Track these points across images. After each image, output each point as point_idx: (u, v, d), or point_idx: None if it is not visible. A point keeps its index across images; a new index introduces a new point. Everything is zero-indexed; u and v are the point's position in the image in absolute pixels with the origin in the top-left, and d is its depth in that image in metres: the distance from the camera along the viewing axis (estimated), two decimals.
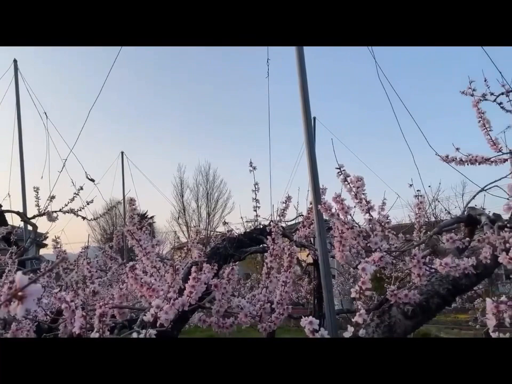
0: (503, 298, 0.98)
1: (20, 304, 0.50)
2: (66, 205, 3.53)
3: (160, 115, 34.82)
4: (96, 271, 2.56)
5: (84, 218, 3.58)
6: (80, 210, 3.57)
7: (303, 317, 1.09)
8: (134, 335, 1.16)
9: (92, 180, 3.71)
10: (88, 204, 3.64)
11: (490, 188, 2.27)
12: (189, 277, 1.46)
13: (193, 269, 1.47)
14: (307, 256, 4.96)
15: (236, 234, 2.77)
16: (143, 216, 22.80)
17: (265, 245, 2.49)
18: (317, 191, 2.04)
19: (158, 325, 1.30)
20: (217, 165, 27.41)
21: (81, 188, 3.62)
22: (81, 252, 2.77)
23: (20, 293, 0.50)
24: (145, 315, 1.25)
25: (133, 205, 2.16)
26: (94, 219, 4.08)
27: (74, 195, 3.59)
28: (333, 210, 1.63)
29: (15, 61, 7.00)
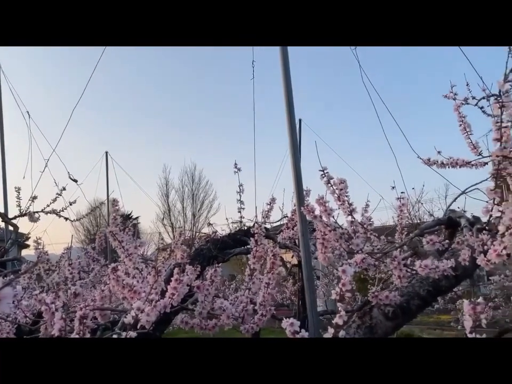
0: (480, 299, 0.99)
1: None
2: (48, 206, 3.49)
3: (145, 115, 34.65)
4: (79, 273, 2.54)
5: (66, 219, 3.54)
6: (63, 210, 3.53)
7: (284, 318, 1.10)
8: (114, 337, 1.15)
9: (75, 181, 3.67)
10: (71, 205, 3.60)
11: (470, 190, 2.31)
12: (171, 278, 1.45)
13: (176, 270, 1.46)
14: (292, 257, 4.97)
15: (219, 235, 2.77)
16: (127, 217, 22.64)
17: (249, 247, 2.50)
18: (301, 193, 2.05)
19: (139, 327, 1.29)
20: (203, 165, 27.35)
21: (64, 188, 3.57)
22: (63, 253, 2.73)
23: None
24: (125, 317, 1.24)
25: (116, 205, 2.14)
26: (77, 220, 4.04)
27: (57, 195, 3.54)
28: (316, 212, 1.64)
29: None
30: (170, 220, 23.35)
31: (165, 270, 1.95)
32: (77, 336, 1.19)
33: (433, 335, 10.92)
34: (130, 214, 24.85)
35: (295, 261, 4.68)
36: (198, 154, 34.61)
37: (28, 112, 5.98)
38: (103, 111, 34.12)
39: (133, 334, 1.14)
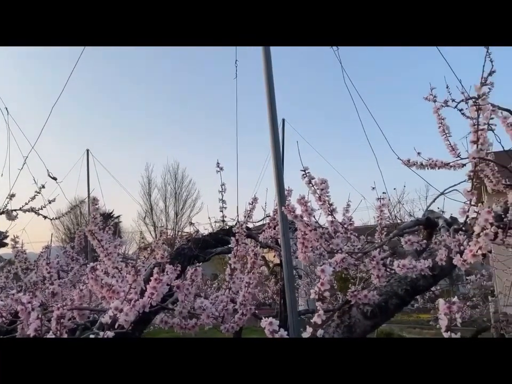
0: (455, 299, 1.01)
1: None
2: (26, 204, 3.43)
3: (127, 113, 34.34)
4: (58, 272, 2.50)
5: (45, 217, 3.48)
6: (41, 209, 3.47)
7: (263, 318, 1.10)
8: (92, 337, 1.14)
9: (54, 178, 3.61)
10: (50, 203, 3.53)
11: (449, 191, 2.35)
12: (151, 278, 1.44)
13: (155, 270, 1.45)
14: (274, 257, 4.98)
15: (201, 235, 2.76)
16: (108, 216, 22.36)
17: (231, 246, 2.50)
18: (282, 193, 2.06)
19: (118, 326, 1.28)
20: (186, 164, 27.22)
21: (43, 186, 3.51)
22: (42, 252, 2.69)
23: None
24: (103, 317, 1.23)
25: (96, 204, 2.12)
26: (56, 218, 3.97)
27: (36, 193, 3.48)
28: (297, 211, 1.65)
29: None
30: (152, 219, 23.16)
31: (145, 270, 1.94)
32: (53, 336, 1.17)
33: (413, 334, 11.09)
34: (111, 213, 24.58)
35: (277, 261, 4.69)
36: (182, 153, 34.52)
37: (6, 109, 5.84)
38: (85, 109, 33.72)
39: (110, 334, 1.13)
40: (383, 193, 2.64)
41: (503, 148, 1.94)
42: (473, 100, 2.12)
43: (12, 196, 3.39)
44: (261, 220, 3.44)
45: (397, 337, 9.35)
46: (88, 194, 10.80)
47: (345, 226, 1.74)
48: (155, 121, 34.97)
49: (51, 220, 3.66)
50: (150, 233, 21.43)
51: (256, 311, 1.86)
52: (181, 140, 35.55)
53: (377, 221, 2.12)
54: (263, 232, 2.72)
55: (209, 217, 3.47)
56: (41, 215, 3.48)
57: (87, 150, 12.34)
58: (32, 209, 3.44)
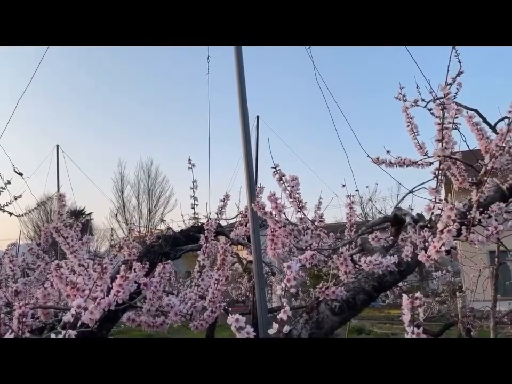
0: (418, 294, 1.03)
1: None
2: None
3: (100, 110, 33.75)
4: (23, 270, 2.43)
5: (10, 214, 3.38)
6: (7, 205, 3.37)
7: (230, 314, 1.10)
8: (53, 336, 1.11)
9: (20, 174, 3.50)
10: (16, 199, 3.43)
11: (418, 189, 2.39)
12: (117, 275, 1.42)
13: (122, 267, 1.43)
14: (247, 254, 4.97)
15: (172, 232, 2.73)
16: (79, 213, 21.90)
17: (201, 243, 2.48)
18: (252, 190, 2.06)
19: (82, 325, 1.25)
20: (160, 161, 26.92)
21: (9, 182, 3.41)
22: (7, 249, 2.61)
23: None
24: (66, 315, 1.20)
25: (62, 200, 2.07)
26: (22, 215, 3.86)
27: (1, 189, 3.38)
28: (266, 208, 1.64)
29: None
30: (124, 216, 22.83)
31: (113, 267, 1.90)
32: (13, 335, 1.14)
33: (384, 329, 11.33)
34: (83, 210, 24.12)
35: (251, 258, 4.68)
36: (155, 150, 34.19)
37: None
38: (55, 106, 33.03)
39: (72, 332, 1.10)
40: (356, 191, 2.67)
41: (468, 146, 1.99)
42: (440, 99, 2.17)
43: None
44: (234, 217, 3.43)
45: (366, 337, 9.57)
46: (58, 190, 10.56)
47: (315, 223, 1.75)
48: (128, 117, 34.49)
49: (17, 216, 3.56)
50: (123, 230, 21.11)
51: (230, 309, 1.85)
52: (155, 137, 35.15)
53: (347, 218, 2.14)
54: (235, 229, 2.72)
55: (182, 215, 3.44)
56: (7, 211, 3.38)
57: (57, 146, 12.08)
58: None
